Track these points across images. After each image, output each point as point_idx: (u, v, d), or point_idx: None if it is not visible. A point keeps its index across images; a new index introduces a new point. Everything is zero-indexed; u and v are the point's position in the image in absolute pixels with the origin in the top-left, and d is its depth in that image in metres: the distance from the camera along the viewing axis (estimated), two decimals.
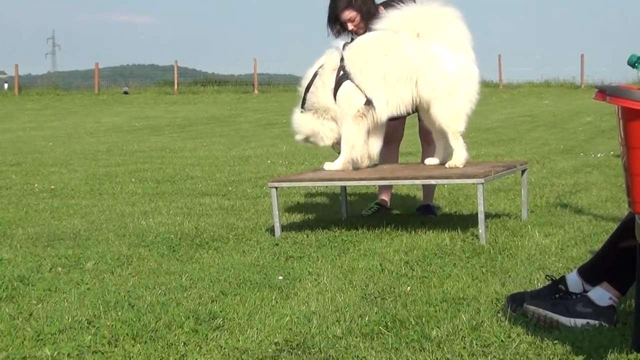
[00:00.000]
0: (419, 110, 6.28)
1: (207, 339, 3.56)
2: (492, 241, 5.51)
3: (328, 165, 6.34)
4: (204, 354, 3.40)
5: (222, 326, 3.73)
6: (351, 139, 6.16)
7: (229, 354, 3.40)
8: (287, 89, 34.00)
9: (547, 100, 28.82)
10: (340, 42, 6.30)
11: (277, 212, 5.92)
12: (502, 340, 3.45)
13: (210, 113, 25.55)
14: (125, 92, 36.04)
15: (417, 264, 4.91)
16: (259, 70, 37.93)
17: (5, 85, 41.31)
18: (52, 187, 9.18)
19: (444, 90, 5.98)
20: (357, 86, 6.08)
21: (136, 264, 5.14)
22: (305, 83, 6.28)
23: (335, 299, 4.18)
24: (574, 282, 3.77)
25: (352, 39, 6.33)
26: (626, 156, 2.94)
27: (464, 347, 3.39)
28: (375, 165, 6.48)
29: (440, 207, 7.18)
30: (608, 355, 3.21)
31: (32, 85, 40.68)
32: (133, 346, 3.48)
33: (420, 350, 3.38)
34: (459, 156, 6.10)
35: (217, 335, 3.60)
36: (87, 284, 4.62)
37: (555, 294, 3.76)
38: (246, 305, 4.08)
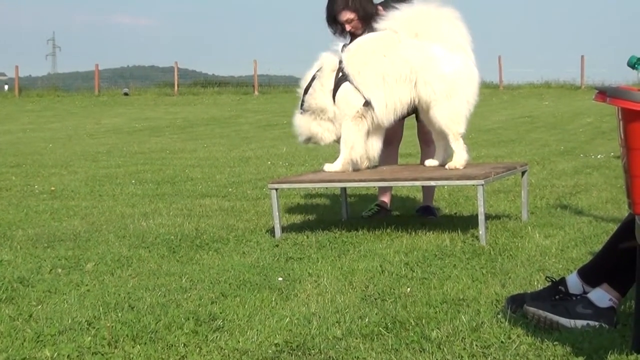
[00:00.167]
0: (418, 111, 6.28)
1: (207, 340, 3.56)
2: (492, 242, 5.51)
3: (328, 167, 6.34)
4: (204, 355, 3.40)
5: (222, 327, 3.73)
6: (350, 140, 6.16)
7: (229, 355, 3.40)
8: (287, 90, 33.98)
9: (547, 101, 28.84)
10: (338, 43, 6.30)
11: (277, 214, 5.92)
12: (502, 342, 3.44)
13: (211, 114, 25.55)
14: (126, 94, 36.03)
15: (417, 265, 4.91)
16: (259, 72, 37.96)
17: (6, 87, 41.33)
18: (52, 188, 9.17)
19: (443, 92, 5.98)
20: (356, 87, 6.08)
21: (136, 265, 5.14)
22: (304, 85, 6.29)
23: (335, 300, 4.17)
24: (574, 283, 3.77)
25: (351, 40, 6.34)
26: (626, 157, 2.94)
27: (464, 348, 3.39)
28: (375, 166, 6.48)
29: (440, 208, 7.17)
30: (608, 357, 3.20)
31: (32, 87, 40.71)
32: (133, 347, 3.48)
33: (420, 352, 3.38)
34: (459, 157, 6.10)
35: (217, 337, 3.59)
36: (87, 285, 4.62)
37: (555, 295, 3.76)
38: (246, 306, 4.08)
